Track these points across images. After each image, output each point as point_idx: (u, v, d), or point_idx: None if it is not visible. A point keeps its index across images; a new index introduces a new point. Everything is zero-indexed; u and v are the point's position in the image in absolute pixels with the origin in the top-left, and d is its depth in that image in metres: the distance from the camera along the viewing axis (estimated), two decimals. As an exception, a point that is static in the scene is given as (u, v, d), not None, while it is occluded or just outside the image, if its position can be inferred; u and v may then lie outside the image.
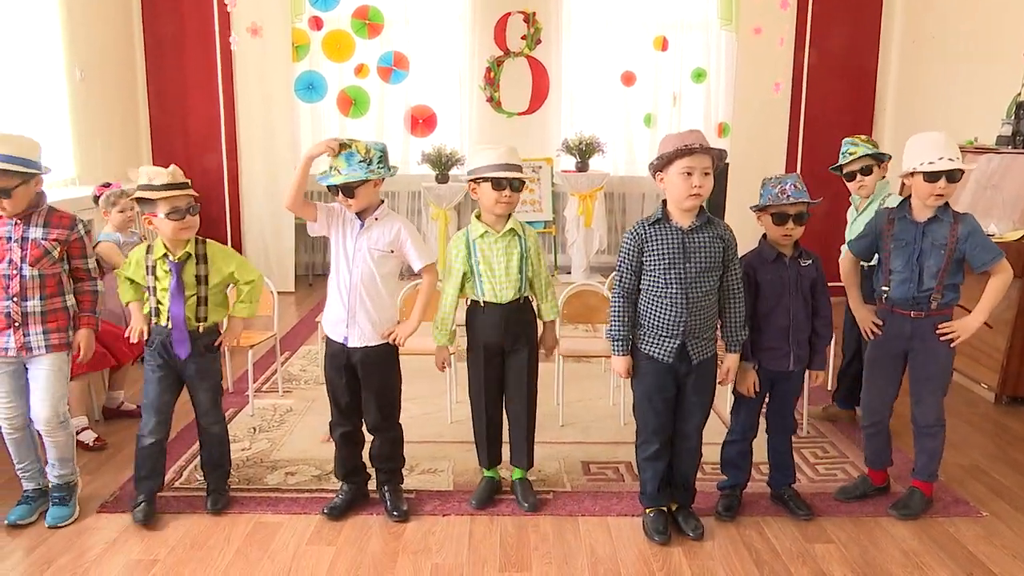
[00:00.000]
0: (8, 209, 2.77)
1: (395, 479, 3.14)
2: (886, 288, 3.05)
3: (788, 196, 2.86)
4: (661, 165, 2.72)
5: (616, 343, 2.84)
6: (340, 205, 2.92)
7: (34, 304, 2.84)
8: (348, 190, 2.83)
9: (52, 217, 2.87)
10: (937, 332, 2.98)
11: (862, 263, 3.29)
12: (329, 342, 3.02)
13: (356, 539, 2.90)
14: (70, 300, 2.96)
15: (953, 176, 2.87)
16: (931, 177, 2.88)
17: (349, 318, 2.93)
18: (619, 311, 2.82)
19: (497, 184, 2.93)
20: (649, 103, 7.51)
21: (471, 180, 2.99)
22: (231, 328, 3.12)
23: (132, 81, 6.64)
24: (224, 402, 3.17)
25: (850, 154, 3.64)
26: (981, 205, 4.65)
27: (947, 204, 2.97)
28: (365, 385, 3.01)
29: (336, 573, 2.70)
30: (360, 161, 2.82)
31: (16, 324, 2.82)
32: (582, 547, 2.87)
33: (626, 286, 2.81)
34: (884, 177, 3.68)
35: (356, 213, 2.91)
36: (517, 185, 2.95)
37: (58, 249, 2.86)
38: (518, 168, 2.96)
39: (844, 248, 3.50)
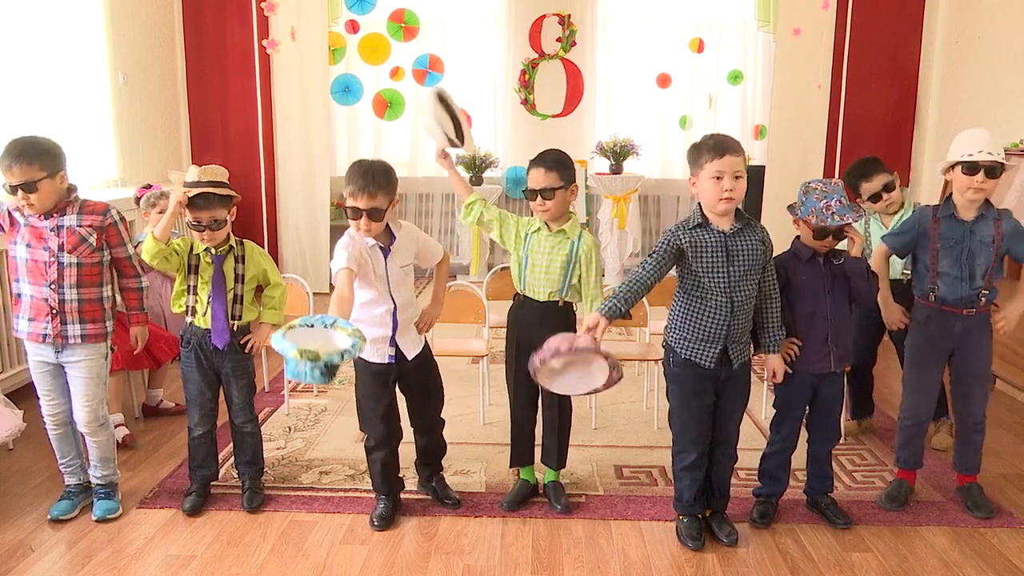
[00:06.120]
0: (36, 206, 2.78)
1: (439, 469, 3.24)
2: (932, 286, 3.03)
3: (833, 214, 2.80)
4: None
5: (609, 311, 2.52)
6: (355, 246, 2.80)
7: (71, 293, 2.88)
8: (377, 214, 2.75)
9: (85, 207, 2.92)
10: (994, 322, 3.04)
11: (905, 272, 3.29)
12: (370, 365, 2.96)
13: (389, 539, 2.92)
14: (107, 291, 2.99)
15: (992, 172, 2.88)
16: (969, 169, 2.89)
17: (401, 338, 2.94)
18: (627, 291, 2.56)
19: (529, 195, 3.00)
20: (685, 105, 7.46)
21: None
22: (259, 332, 3.14)
23: (173, 85, 6.76)
24: (260, 401, 3.21)
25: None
26: (1027, 208, 4.55)
27: (988, 201, 2.97)
28: (422, 386, 3.06)
29: (369, 572, 2.72)
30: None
31: (54, 312, 2.87)
32: (615, 551, 2.86)
33: (647, 272, 2.63)
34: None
35: (372, 240, 2.84)
36: (547, 194, 2.95)
37: (94, 236, 2.89)
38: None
39: (876, 244, 3.43)
